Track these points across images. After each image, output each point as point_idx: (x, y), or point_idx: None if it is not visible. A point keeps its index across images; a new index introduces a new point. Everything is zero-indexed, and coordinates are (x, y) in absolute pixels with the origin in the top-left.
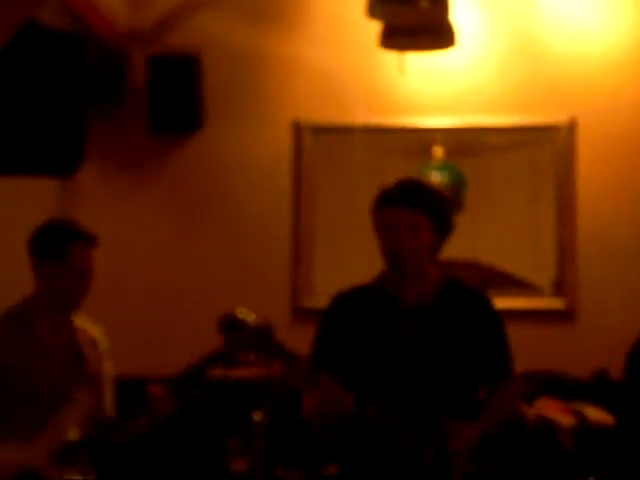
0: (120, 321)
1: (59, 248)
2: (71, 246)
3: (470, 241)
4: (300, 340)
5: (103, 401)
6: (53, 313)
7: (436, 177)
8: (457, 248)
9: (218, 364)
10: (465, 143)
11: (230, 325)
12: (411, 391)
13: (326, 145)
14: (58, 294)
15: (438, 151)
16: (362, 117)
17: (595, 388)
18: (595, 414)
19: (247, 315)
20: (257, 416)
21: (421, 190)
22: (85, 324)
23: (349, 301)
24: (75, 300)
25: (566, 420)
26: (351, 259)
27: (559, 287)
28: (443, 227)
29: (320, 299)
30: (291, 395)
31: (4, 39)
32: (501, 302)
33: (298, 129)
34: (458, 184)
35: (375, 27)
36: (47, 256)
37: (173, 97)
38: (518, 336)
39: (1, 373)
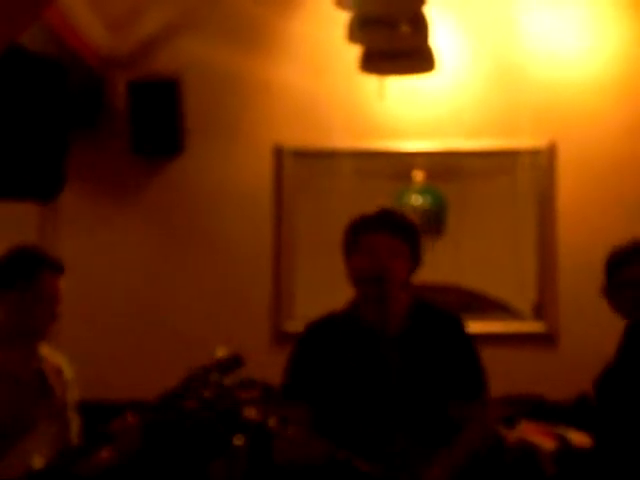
0: (99, 345)
1: (28, 275)
2: (40, 273)
3: (451, 265)
4: (280, 364)
5: (68, 430)
6: (18, 343)
7: (417, 201)
8: (438, 272)
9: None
10: (445, 167)
11: (194, 380)
12: (390, 416)
13: (307, 169)
14: (24, 323)
15: (419, 175)
16: (343, 141)
17: (577, 411)
18: (577, 437)
19: (214, 367)
20: (238, 440)
21: (400, 218)
22: (49, 353)
23: (321, 330)
24: (41, 328)
25: (548, 444)
26: (332, 283)
27: (540, 311)
28: (417, 256)
29: (301, 323)
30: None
31: None
32: (482, 326)
33: (279, 153)
34: (439, 208)
35: (355, 51)
36: (14, 283)
37: (154, 121)
38: (499, 360)
39: None
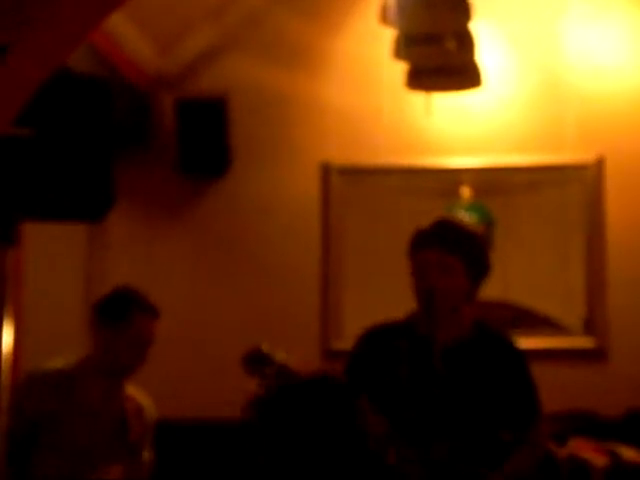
0: (152, 365)
1: (123, 316)
2: (134, 316)
3: (499, 280)
4: None
5: (141, 470)
6: (104, 379)
7: (464, 217)
8: (486, 287)
9: None
10: (493, 183)
11: (255, 360)
12: (441, 430)
13: (354, 186)
14: (113, 361)
15: (466, 191)
16: (389, 158)
17: (628, 427)
18: (629, 453)
19: (272, 350)
20: None
21: (454, 231)
22: (135, 392)
23: (379, 338)
24: (129, 369)
25: (599, 460)
26: (380, 300)
27: (589, 326)
28: (477, 269)
29: (350, 341)
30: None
31: (37, 85)
32: (531, 342)
33: (326, 171)
34: (486, 224)
35: (401, 68)
36: (110, 323)
37: (201, 140)
38: (549, 376)
39: (36, 427)
